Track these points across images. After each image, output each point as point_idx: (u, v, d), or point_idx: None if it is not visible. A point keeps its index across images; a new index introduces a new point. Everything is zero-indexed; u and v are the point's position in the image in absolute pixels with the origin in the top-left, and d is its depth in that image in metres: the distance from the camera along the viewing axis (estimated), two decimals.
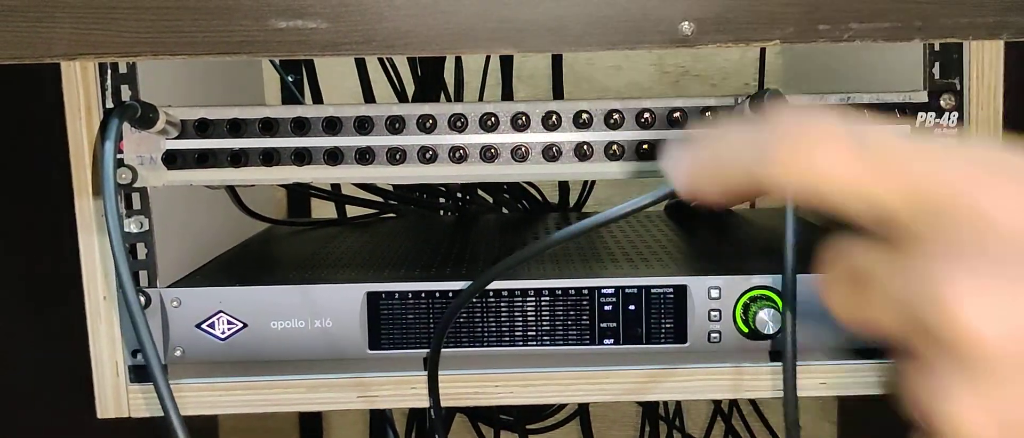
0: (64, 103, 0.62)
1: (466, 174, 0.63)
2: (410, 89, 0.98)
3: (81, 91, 0.62)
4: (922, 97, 0.62)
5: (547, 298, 0.64)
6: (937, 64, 0.62)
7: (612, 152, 0.62)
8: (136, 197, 0.63)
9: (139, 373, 0.64)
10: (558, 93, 0.97)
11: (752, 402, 1.14)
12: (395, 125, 0.62)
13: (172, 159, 0.62)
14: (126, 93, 0.62)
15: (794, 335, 0.60)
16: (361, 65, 0.95)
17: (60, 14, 0.55)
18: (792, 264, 0.58)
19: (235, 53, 0.55)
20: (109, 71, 0.62)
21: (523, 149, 0.62)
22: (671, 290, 0.64)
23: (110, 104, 0.62)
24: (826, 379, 0.65)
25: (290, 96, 1.09)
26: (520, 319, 0.65)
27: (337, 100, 1.00)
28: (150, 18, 0.55)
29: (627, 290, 0.64)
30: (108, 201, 0.56)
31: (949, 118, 0.62)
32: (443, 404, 0.64)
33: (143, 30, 0.55)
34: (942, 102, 0.62)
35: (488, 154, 0.62)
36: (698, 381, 0.65)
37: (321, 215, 1.11)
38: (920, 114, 0.62)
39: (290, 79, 1.06)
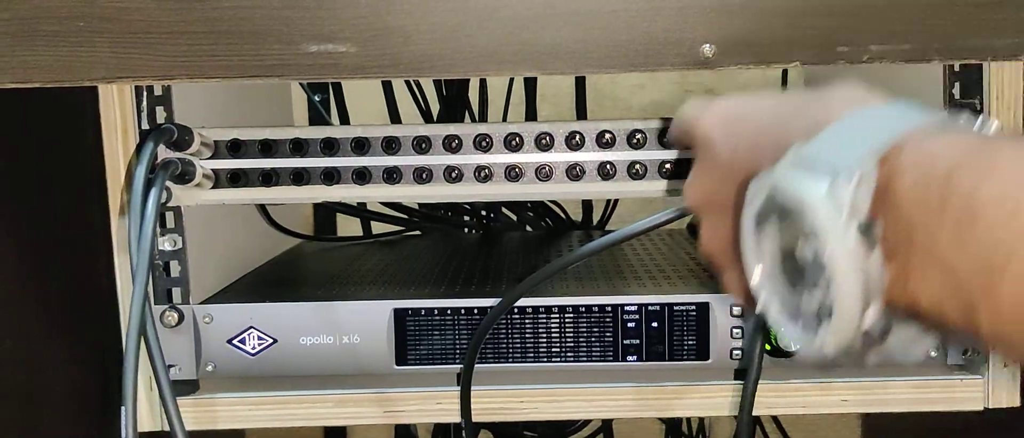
0: (101, 124, 0.64)
1: (491, 193, 0.64)
2: (435, 108, 1.00)
3: (118, 113, 0.64)
4: None
5: (571, 315, 0.65)
6: (957, 84, 0.63)
7: (635, 171, 0.63)
8: (170, 216, 0.65)
9: (175, 387, 0.66)
10: (581, 113, 0.98)
11: (775, 419, 1.14)
12: (421, 145, 0.63)
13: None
14: (161, 115, 0.64)
15: (762, 352, 0.61)
16: (387, 86, 0.97)
17: (99, 39, 0.57)
18: None
19: (267, 76, 0.57)
20: (145, 93, 0.63)
21: (547, 168, 0.63)
22: (694, 307, 0.65)
23: (146, 125, 0.64)
24: (847, 396, 0.66)
25: (317, 115, 1.10)
26: (544, 336, 0.66)
27: (364, 119, 1.02)
28: (186, 43, 0.56)
29: (650, 307, 0.65)
30: (132, 222, 0.58)
31: None
32: None
33: (179, 54, 0.57)
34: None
35: (513, 173, 0.63)
36: (720, 397, 0.66)
37: (347, 231, 1.13)
38: None
39: (317, 98, 1.08)
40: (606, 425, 1.13)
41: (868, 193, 0.32)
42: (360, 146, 0.64)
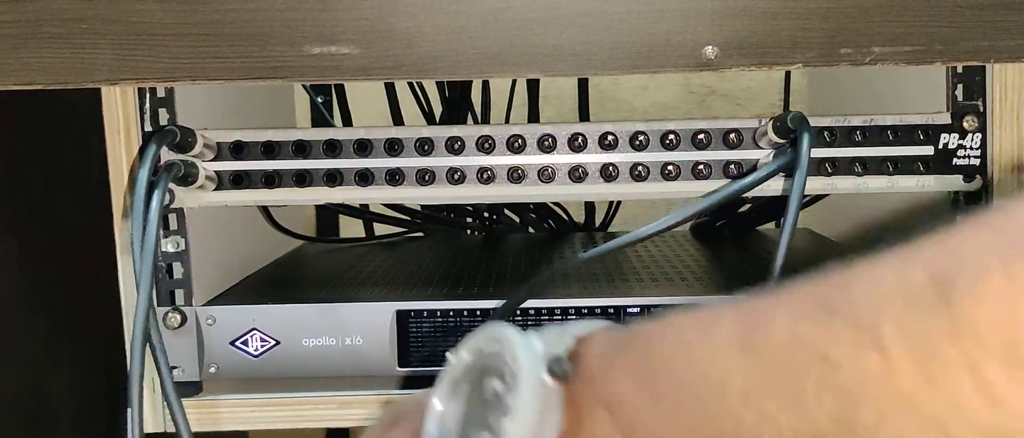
0: (104, 126, 0.64)
1: (493, 195, 0.64)
2: (438, 110, 1.00)
3: (120, 114, 0.64)
4: (945, 118, 0.63)
5: (574, 317, 0.65)
6: (960, 86, 0.63)
7: (637, 173, 0.63)
8: (173, 218, 0.65)
9: (178, 389, 0.66)
10: (584, 114, 0.98)
11: None
12: (424, 147, 0.63)
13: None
14: (164, 116, 0.64)
15: None
16: (390, 87, 0.97)
17: (102, 41, 0.57)
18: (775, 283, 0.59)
19: (270, 78, 0.57)
20: (148, 95, 0.63)
21: (549, 170, 0.63)
22: None
23: (148, 127, 0.64)
24: None
25: (320, 117, 1.11)
26: None
27: (366, 121, 1.02)
28: (189, 44, 0.57)
29: (653, 309, 0.65)
30: (136, 225, 0.58)
31: (972, 139, 0.63)
32: None
33: (182, 56, 0.57)
34: (965, 123, 0.63)
35: (515, 175, 0.63)
36: None
37: (349, 232, 1.13)
38: (943, 135, 0.63)
39: (320, 100, 1.08)
40: None
41: (563, 347, 0.35)
42: (363, 148, 0.64)
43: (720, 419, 0.27)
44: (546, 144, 0.63)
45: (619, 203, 1.06)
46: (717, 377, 0.28)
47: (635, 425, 0.31)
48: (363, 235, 1.04)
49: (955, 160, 0.63)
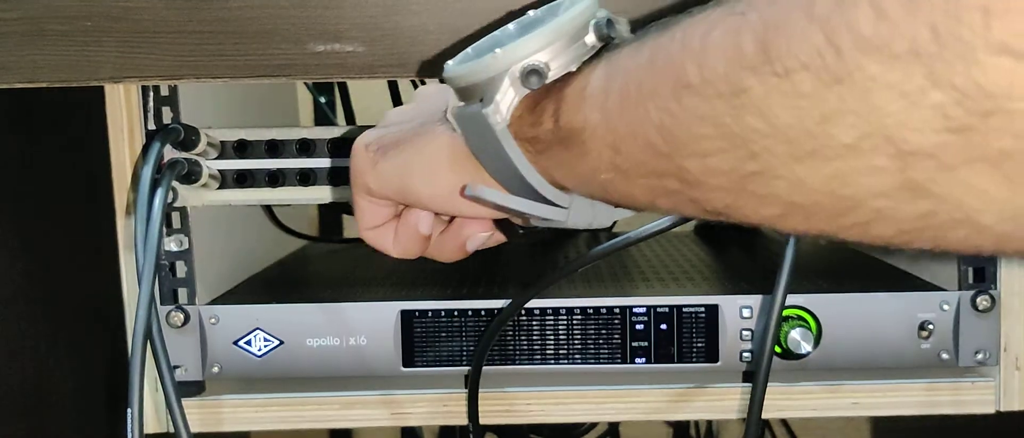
0: (107, 124, 0.64)
1: None
2: None
3: (124, 112, 0.63)
4: None
5: (579, 317, 0.65)
6: None
7: None
8: (176, 216, 0.65)
9: (180, 389, 0.65)
10: None
11: (784, 421, 1.13)
12: None
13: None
14: (167, 115, 0.63)
15: (771, 354, 0.60)
16: (393, 85, 0.96)
17: (107, 39, 0.57)
18: (784, 282, 0.58)
19: (275, 76, 0.56)
20: (151, 93, 0.63)
21: None
22: (703, 309, 0.65)
23: (152, 125, 0.63)
24: (857, 399, 0.65)
25: (323, 117, 1.10)
26: (552, 338, 0.65)
27: (369, 120, 1.01)
28: (193, 42, 0.56)
29: (659, 309, 0.65)
30: (139, 223, 0.57)
31: None
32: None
33: (186, 54, 0.56)
34: None
35: None
36: (729, 400, 0.65)
37: (352, 232, 1.13)
38: None
39: (322, 101, 1.08)
40: (613, 428, 1.13)
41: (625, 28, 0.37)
42: None
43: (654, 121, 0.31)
44: None
45: None
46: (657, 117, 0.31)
47: (595, 110, 0.34)
48: None
49: None
